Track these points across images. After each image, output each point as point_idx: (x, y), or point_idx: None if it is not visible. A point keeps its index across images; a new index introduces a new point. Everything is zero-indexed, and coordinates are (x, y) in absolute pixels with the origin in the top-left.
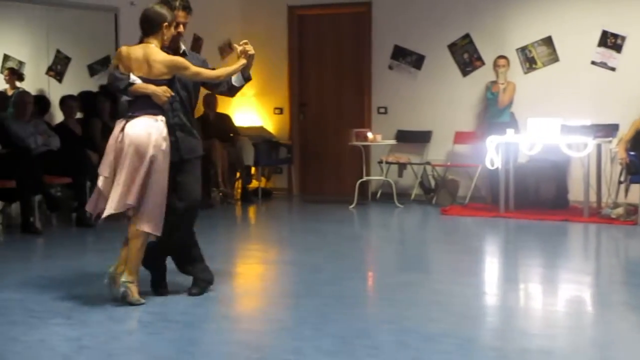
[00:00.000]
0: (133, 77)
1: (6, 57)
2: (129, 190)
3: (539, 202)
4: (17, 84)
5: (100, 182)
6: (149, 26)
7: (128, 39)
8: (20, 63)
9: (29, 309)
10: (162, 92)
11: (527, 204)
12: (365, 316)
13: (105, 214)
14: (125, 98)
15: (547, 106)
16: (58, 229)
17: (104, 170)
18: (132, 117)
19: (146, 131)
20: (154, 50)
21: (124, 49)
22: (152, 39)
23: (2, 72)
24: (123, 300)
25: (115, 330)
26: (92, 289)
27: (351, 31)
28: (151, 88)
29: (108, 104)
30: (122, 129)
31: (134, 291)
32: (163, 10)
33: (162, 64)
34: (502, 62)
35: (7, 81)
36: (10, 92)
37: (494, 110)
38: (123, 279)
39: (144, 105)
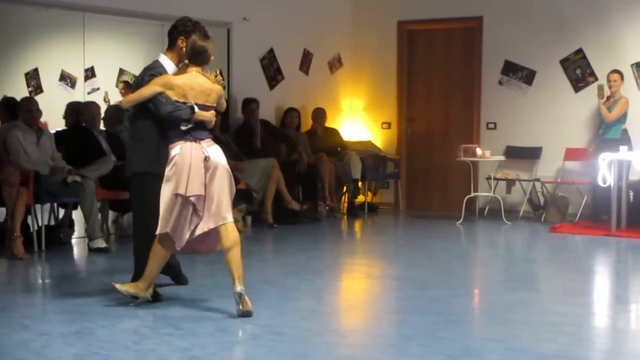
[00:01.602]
0: (192, 105)
1: (121, 71)
2: (222, 206)
3: None
4: None
5: (194, 199)
6: (198, 57)
7: (240, 54)
8: (135, 77)
9: (141, 318)
10: (213, 117)
11: None
12: (473, 334)
13: (203, 230)
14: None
15: None
16: None
17: (198, 188)
18: (201, 139)
19: (222, 152)
20: (207, 81)
21: (174, 78)
22: (196, 68)
23: (117, 86)
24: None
25: (225, 341)
26: (202, 299)
27: (461, 46)
28: (208, 115)
29: (219, 117)
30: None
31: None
32: (209, 44)
33: (217, 94)
34: (613, 76)
35: (123, 94)
36: None
37: (604, 126)
38: (239, 289)
39: (202, 129)
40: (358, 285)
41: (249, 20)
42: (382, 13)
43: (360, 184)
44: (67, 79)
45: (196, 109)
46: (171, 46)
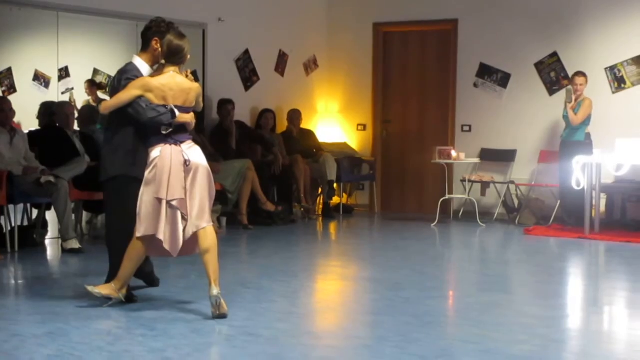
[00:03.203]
0: (172, 108)
1: (96, 71)
2: (204, 209)
3: (625, 224)
4: (100, 94)
5: (176, 203)
6: (175, 56)
7: (215, 55)
8: (109, 77)
9: (114, 319)
10: (192, 119)
11: (613, 226)
12: (447, 336)
13: (191, 232)
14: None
15: (636, 126)
16: None
17: (179, 192)
18: (181, 142)
19: (202, 154)
20: (186, 81)
21: (152, 80)
22: (173, 68)
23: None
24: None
25: (199, 342)
26: (176, 301)
27: (436, 48)
28: (187, 117)
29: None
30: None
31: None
32: (185, 43)
33: (196, 92)
34: (579, 79)
35: (88, 93)
36: (94, 104)
37: (569, 129)
38: (215, 292)
39: (182, 131)
40: (333, 286)
41: (225, 21)
42: (357, 15)
43: (335, 185)
44: (40, 79)
45: (177, 112)
46: (145, 47)
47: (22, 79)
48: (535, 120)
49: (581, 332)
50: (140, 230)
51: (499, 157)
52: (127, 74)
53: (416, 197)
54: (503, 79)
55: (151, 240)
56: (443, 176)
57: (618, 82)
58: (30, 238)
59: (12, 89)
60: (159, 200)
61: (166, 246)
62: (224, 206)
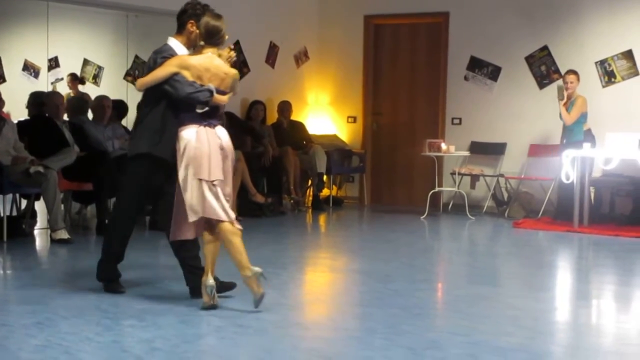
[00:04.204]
0: (210, 87)
1: (86, 61)
2: (231, 197)
3: (614, 218)
4: (80, 87)
5: (218, 183)
6: (213, 37)
7: None
8: (99, 67)
9: (103, 310)
10: (226, 101)
11: (602, 220)
12: (436, 328)
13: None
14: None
15: (625, 121)
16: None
17: (219, 174)
18: (214, 125)
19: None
20: (223, 64)
21: (190, 59)
22: (211, 49)
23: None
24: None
25: (187, 333)
26: (165, 291)
27: (427, 41)
28: (224, 99)
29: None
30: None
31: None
32: (222, 23)
33: (232, 77)
34: (570, 77)
35: (70, 87)
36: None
37: (567, 131)
38: (210, 282)
39: (214, 114)
40: (322, 278)
41: (214, 10)
42: (348, 7)
43: (325, 177)
44: (30, 69)
45: (214, 91)
46: (180, 30)
47: (12, 68)
48: (526, 113)
49: (569, 324)
50: (192, 216)
51: (489, 150)
52: (163, 53)
53: (406, 190)
54: (493, 72)
55: (197, 222)
56: (433, 169)
57: (608, 76)
58: (19, 228)
59: (1, 78)
60: (200, 180)
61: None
62: None
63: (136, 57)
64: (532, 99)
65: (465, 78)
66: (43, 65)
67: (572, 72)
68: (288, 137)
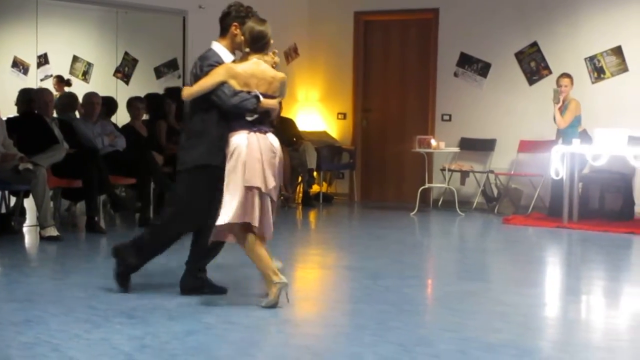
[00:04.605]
0: (256, 93)
1: (75, 58)
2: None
3: (603, 214)
4: (66, 89)
5: (272, 192)
6: (258, 43)
7: (196, 43)
8: (89, 64)
9: (93, 307)
10: (277, 105)
11: (591, 216)
12: (426, 324)
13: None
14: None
15: (614, 117)
16: (121, 229)
17: (274, 181)
18: (266, 131)
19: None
20: (270, 69)
21: (235, 66)
22: (257, 55)
23: (70, 73)
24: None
25: (177, 330)
26: (155, 288)
27: (417, 37)
28: (272, 102)
29: (174, 106)
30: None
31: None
32: (267, 28)
33: (279, 81)
34: (564, 81)
35: (57, 89)
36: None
37: (562, 135)
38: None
39: (265, 119)
40: (312, 275)
41: (205, 8)
42: (338, 3)
43: (315, 174)
44: (19, 66)
45: (261, 97)
46: (224, 33)
47: (1, 65)
48: (515, 109)
49: (558, 320)
50: (229, 218)
51: (479, 147)
52: (208, 60)
53: (396, 186)
54: (483, 69)
55: (231, 227)
56: (423, 165)
57: (598, 72)
58: (8, 225)
59: None
60: (250, 188)
61: (264, 233)
62: None
63: (126, 53)
64: (522, 95)
65: (455, 74)
66: (32, 62)
67: (566, 75)
68: (278, 133)
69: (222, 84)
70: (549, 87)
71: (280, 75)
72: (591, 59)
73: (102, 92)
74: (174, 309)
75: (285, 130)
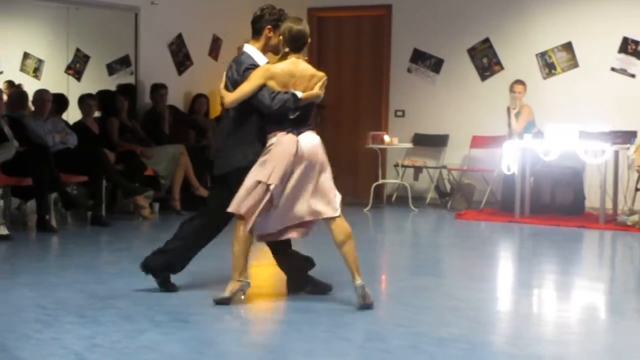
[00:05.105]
0: (293, 92)
1: (26, 55)
2: (328, 199)
3: (554, 208)
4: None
5: (272, 188)
6: (297, 42)
7: (148, 39)
8: (40, 61)
9: (43, 307)
10: (319, 94)
11: (543, 210)
12: (378, 320)
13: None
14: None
15: (565, 112)
16: (73, 227)
17: (275, 178)
18: (299, 132)
19: (319, 145)
20: (309, 67)
21: (274, 67)
22: (295, 55)
23: (20, 70)
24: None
25: (129, 329)
26: (106, 287)
27: (371, 34)
28: (314, 93)
29: (126, 103)
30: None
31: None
32: (305, 27)
33: (319, 78)
34: (518, 87)
35: (7, 94)
36: None
37: (516, 138)
38: (359, 282)
39: (304, 120)
40: (265, 271)
41: (157, 4)
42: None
43: None
44: None
45: (299, 94)
46: (257, 36)
47: None
48: (468, 105)
49: (510, 314)
50: (242, 208)
51: (432, 142)
52: (244, 64)
53: (350, 182)
54: (436, 65)
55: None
56: (376, 161)
57: (548, 68)
58: None
59: None
60: (258, 182)
61: (254, 229)
62: (157, 191)
63: (77, 50)
64: (474, 90)
65: (409, 70)
66: None
67: (519, 82)
68: None
69: (262, 87)
70: (501, 83)
71: (320, 73)
72: (542, 55)
73: (54, 89)
74: (125, 307)
75: None
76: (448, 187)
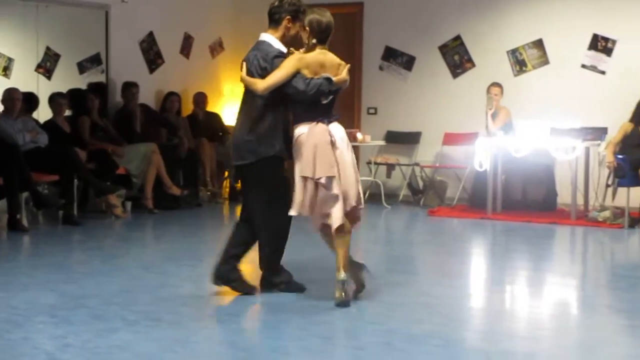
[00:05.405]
0: (326, 76)
1: None
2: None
3: (526, 205)
4: None
5: (324, 182)
6: (324, 33)
7: (119, 37)
8: (10, 60)
9: (14, 307)
10: (347, 78)
11: (515, 206)
12: (351, 317)
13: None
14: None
15: (536, 109)
16: (44, 227)
17: (326, 170)
18: (329, 121)
19: (346, 136)
20: (334, 56)
21: (307, 56)
22: (321, 46)
23: None
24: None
25: (100, 328)
26: (78, 287)
27: (342, 31)
28: (343, 76)
29: (97, 101)
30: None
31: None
32: (331, 18)
33: (345, 67)
34: (494, 90)
35: None
36: None
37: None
38: (342, 277)
39: (329, 112)
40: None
41: (127, 2)
42: None
43: None
44: None
45: (332, 78)
46: (275, 25)
47: None
48: (440, 102)
49: (483, 310)
50: (295, 210)
51: (404, 140)
52: (271, 53)
53: None
54: (408, 62)
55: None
56: None
57: (520, 65)
58: None
59: None
60: (305, 178)
61: (313, 223)
62: (129, 190)
63: (47, 48)
64: (446, 88)
65: (380, 68)
66: None
67: (496, 84)
68: (204, 128)
69: (296, 75)
70: (472, 80)
71: (344, 63)
72: (513, 52)
73: (24, 88)
74: (96, 307)
75: (211, 125)
76: (421, 184)
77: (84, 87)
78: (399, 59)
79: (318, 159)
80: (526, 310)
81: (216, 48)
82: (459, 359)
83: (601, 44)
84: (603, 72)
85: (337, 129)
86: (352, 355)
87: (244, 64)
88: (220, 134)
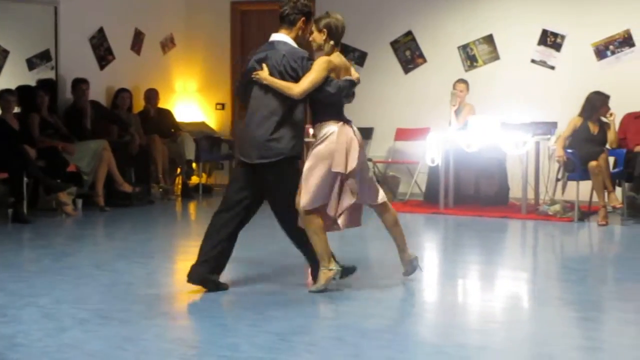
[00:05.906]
0: (348, 78)
1: None
2: (375, 185)
3: (478, 199)
4: None
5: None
6: (341, 36)
7: (68, 33)
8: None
9: None
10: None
11: (467, 201)
12: (304, 313)
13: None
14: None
15: (487, 104)
16: None
17: (341, 167)
18: (350, 122)
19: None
20: (345, 59)
21: (334, 60)
22: (336, 48)
23: None
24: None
25: (50, 327)
26: (27, 285)
27: None
28: (358, 77)
29: (47, 98)
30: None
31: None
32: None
33: (352, 67)
34: (460, 86)
35: None
36: None
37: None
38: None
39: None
40: (188, 266)
41: None
42: None
43: (194, 165)
44: None
45: (355, 80)
46: (290, 25)
47: None
48: (392, 98)
49: (435, 304)
50: (309, 203)
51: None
52: (299, 53)
53: None
54: (360, 58)
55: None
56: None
57: (470, 60)
58: None
59: None
60: (336, 174)
61: (340, 221)
62: (79, 188)
63: None
64: (398, 83)
65: None
66: None
67: (462, 80)
68: (155, 125)
69: (328, 77)
70: (424, 75)
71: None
72: (464, 48)
73: None
74: (46, 305)
75: (162, 121)
76: (373, 179)
77: (33, 83)
78: (350, 55)
79: (350, 155)
80: (478, 304)
81: (167, 44)
82: (411, 353)
83: (550, 39)
84: (552, 67)
85: (356, 130)
86: (305, 351)
87: (264, 64)
88: (172, 130)
